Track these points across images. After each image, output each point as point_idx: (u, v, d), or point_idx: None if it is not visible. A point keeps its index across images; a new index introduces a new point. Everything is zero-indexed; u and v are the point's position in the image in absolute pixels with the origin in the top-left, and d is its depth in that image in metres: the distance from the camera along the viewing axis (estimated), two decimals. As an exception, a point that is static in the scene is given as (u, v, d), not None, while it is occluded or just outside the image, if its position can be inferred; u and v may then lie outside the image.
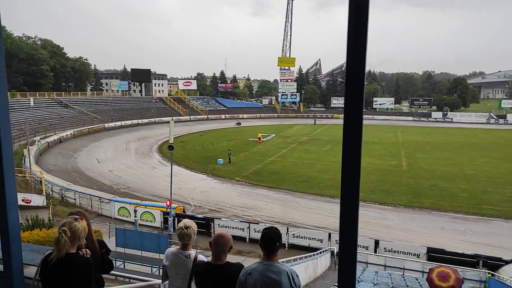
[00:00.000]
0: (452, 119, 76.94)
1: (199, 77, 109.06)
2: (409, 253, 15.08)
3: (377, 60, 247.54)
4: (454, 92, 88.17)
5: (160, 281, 3.63)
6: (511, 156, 37.18)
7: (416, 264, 13.71)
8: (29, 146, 29.88)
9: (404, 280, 10.91)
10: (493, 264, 13.56)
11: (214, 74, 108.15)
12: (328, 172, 30.51)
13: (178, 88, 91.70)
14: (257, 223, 18.21)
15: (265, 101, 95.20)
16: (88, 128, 52.70)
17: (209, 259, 2.94)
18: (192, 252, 3.08)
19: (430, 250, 14.85)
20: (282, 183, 27.28)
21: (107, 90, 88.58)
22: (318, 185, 26.65)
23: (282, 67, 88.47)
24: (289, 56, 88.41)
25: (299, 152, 40.31)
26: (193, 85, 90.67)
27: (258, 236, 17.23)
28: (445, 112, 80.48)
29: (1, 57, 1.99)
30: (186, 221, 3.13)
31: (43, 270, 2.53)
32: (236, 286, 2.68)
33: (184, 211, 20.19)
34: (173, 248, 3.19)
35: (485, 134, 55.99)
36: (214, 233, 17.54)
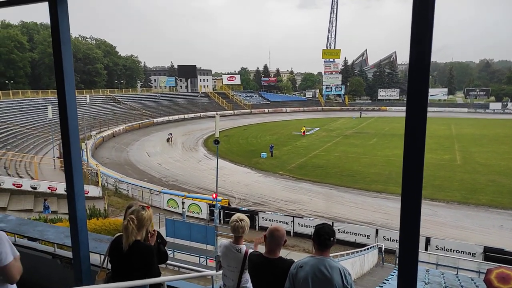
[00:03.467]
0: (512, 110, 71.23)
1: (243, 72, 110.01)
2: (464, 252, 14.28)
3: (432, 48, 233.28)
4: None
5: (212, 272, 3.75)
6: None
7: (472, 263, 12.94)
8: (86, 141, 31.94)
9: (458, 280, 10.36)
10: (561, 267, 12.45)
11: (258, 68, 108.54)
12: (375, 166, 29.60)
13: (222, 83, 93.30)
14: (301, 217, 18.15)
15: (309, 94, 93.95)
16: (139, 123, 55.26)
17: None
18: (243, 247, 3.14)
19: (487, 250, 13.95)
20: (326, 177, 26.90)
21: (155, 86, 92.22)
22: (363, 179, 25.96)
23: (327, 59, 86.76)
24: (334, 47, 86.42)
25: (344, 146, 39.45)
26: (237, 80, 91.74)
27: (302, 230, 17.27)
28: (505, 103, 74.62)
29: (70, 60, 2.16)
30: (239, 214, 3.21)
31: (112, 255, 2.71)
32: (287, 279, 2.70)
33: (229, 204, 20.61)
34: (226, 241, 3.29)
35: (552, 126, 51.21)
36: (258, 226, 17.78)
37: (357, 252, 11.34)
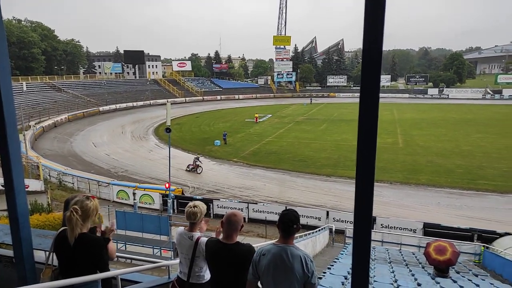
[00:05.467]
0: (448, 95, 76.98)
1: (194, 58, 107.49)
2: (406, 229, 15.37)
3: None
4: (450, 68, 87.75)
5: (167, 261, 3.70)
6: (507, 131, 37.47)
7: (413, 239, 14.00)
8: (24, 132, 29.63)
9: (401, 254, 11.16)
10: (488, 237, 13.87)
11: (209, 54, 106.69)
12: (325, 151, 30.66)
13: (172, 70, 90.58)
14: (256, 203, 18.41)
15: (261, 81, 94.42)
16: (83, 112, 52.24)
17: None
18: (196, 234, 3.12)
19: (426, 225, 15.15)
20: (280, 163, 27.43)
21: (100, 73, 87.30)
22: (314, 164, 26.82)
23: (278, 46, 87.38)
24: (285, 34, 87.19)
25: (295, 132, 40.36)
26: (188, 66, 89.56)
27: (256, 215, 17.54)
28: (441, 89, 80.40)
29: (3, 44, 1.95)
30: (195, 202, 3.20)
31: (57, 250, 2.54)
32: (249, 266, 2.72)
33: (182, 193, 20.32)
34: (181, 228, 3.26)
35: (481, 110, 56.18)
36: (213, 213, 17.76)
37: (309, 234, 11.77)
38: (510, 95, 72.38)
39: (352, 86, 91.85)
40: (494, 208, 18.59)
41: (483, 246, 13.03)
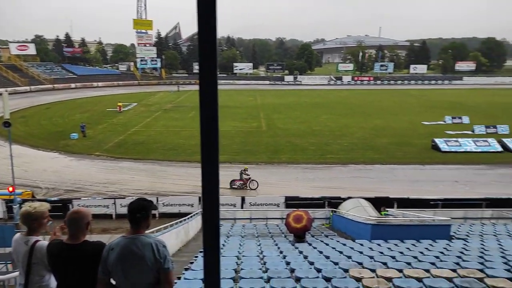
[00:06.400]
0: (301, 81, 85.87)
1: (38, 41, 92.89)
2: (271, 204, 16.82)
3: (237, 26, 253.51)
4: (302, 57, 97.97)
5: (1, 276, 3.17)
6: (346, 112, 44.15)
7: (277, 212, 15.42)
8: None
9: (267, 228, 12.19)
10: (335, 203, 16.29)
11: (58, 37, 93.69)
12: (195, 138, 30.74)
13: (10, 53, 76.37)
14: (123, 198, 17.37)
15: (123, 67, 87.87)
16: None
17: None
18: (33, 238, 2.74)
19: (287, 199, 16.85)
20: (148, 153, 26.39)
21: None
22: (185, 151, 26.71)
23: (139, 30, 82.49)
24: (146, 18, 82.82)
25: (164, 120, 39.29)
26: (31, 50, 76.70)
27: (125, 211, 16.52)
28: (296, 76, 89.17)
29: None
30: (33, 203, 2.78)
31: None
32: (99, 265, 2.54)
33: (33, 196, 17.68)
34: (18, 234, 2.81)
35: (327, 94, 64.65)
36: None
37: (180, 222, 11.76)
38: (348, 81, 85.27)
39: (218, 73, 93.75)
40: (339, 177, 21.86)
41: (332, 210, 15.27)
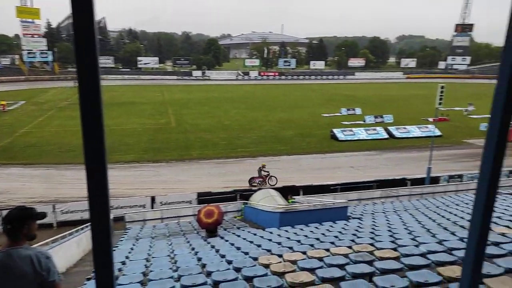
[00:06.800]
0: (209, 76, 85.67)
1: None
2: (183, 201, 16.55)
3: (141, 18, 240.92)
4: (209, 52, 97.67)
5: None
6: (254, 106, 45.49)
7: (189, 209, 15.24)
8: None
9: (180, 226, 11.99)
10: (247, 194, 16.74)
11: None
12: (97, 137, 28.64)
13: None
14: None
15: (6, 60, 76.77)
16: None
17: None
18: None
19: (200, 195, 16.78)
20: (42, 156, 23.70)
21: None
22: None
23: (24, 19, 72.84)
24: (32, 6, 73.48)
25: (59, 119, 35.58)
26: None
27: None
28: (204, 71, 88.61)
29: None
30: None
31: None
32: None
33: None
34: None
35: (235, 89, 65.71)
36: None
37: (81, 229, 10.87)
38: (255, 76, 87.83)
39: (121, 67, 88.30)
40: (249, 170, 22.37)
41: (243, 202, 15.68)
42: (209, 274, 5.00)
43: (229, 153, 25.55)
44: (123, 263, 6.19)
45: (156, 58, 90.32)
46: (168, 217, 14.38)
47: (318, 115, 39.49)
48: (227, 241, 8.05)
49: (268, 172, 19.87)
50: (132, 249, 7.72)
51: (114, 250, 8.10)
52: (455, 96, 37.51)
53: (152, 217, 14.18)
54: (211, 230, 8.99)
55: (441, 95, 18.90)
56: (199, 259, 6.02)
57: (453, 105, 40.26)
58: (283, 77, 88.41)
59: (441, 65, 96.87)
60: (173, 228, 11.60)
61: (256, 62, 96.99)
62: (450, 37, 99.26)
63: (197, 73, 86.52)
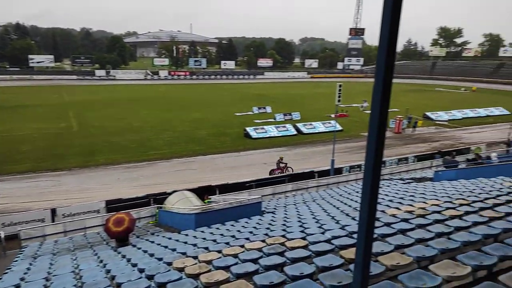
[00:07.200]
0: (115, 76, 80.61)
1: None
2: (90, 211, 15.29)
3: (30, 12, 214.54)
4: (114, 51, 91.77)
5: None
6: (166, 106, 44.16)
7: (97, 219, 14.15)
8: None
9: (86, 238, 11.06)
10: (161, 198, 16.16)
11: None
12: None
13: None
14: None
15: None
16: None
17: None
18: None
19: (108, 203, 15.66)
20: None
21: None
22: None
23: None
24: None
25: None
26: None
27: None
28: (108, 70, 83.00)
29: None
30: None
31: None
32: None
33: None
34: None
35: (144, 89, 62.93)
36: None
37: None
38: (165, 76, 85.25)
39: (8, 66, 77.83)
40: (163, 172, 21.79)
41: (157, 207, 15.12)
42: (118, 286, 4.71)
43: (141, 156, 24.38)
44: (17, 286, 5.48)
45: (51, 56, 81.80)
46: (72, 230, 13.13)
47: (231, 114, 39.96)
48: (139, 248, 7.66)
49: (285, 163, 21.06)
50: (28, 269, 6.87)
51: (6, 272, 7.14)
52: (352, 94, 41.33)
53: (54, 231, 12.79)
54: (121, 239, 8.47)
55: (339, 93, 20.61)
56: (108, 271, 5.62)
57: (351, 102, 44.36)
58: (194, 76, 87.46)
59: (340, 65, 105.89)
60: (78, 241, 10.63)
61: (166, 61, 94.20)
62: (346, 40, 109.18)
63: (100, 73, 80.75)
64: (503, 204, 6.86)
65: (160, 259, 6.03)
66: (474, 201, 7.33)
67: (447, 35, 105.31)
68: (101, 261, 6.74)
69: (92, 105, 43.72)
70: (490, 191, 8.59)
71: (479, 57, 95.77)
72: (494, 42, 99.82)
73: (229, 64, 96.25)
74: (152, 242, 8.34)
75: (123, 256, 7.06)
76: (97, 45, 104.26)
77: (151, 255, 6.60)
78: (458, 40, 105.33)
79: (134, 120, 35.58)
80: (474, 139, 29.91)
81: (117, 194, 17.31)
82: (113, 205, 15.50)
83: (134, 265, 5.88)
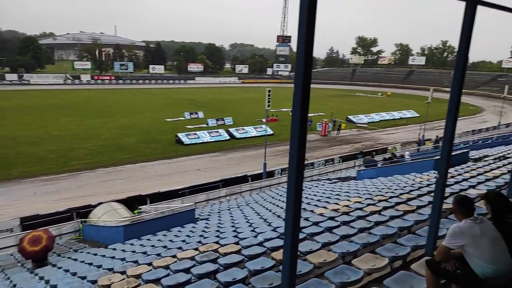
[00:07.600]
0: (29, 80, 73.50)
1: None
2: (2, 231, 13.69)
3: None
4: (27, 53, 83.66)
5: None
6: (90, 113, 41.36)
7: (10, 239, 12.71)
8: None
9: (-3, 261, 9.86)
10: (85, 212, 15.04)
11: None
12: None
13: None
14: None
15: None
16: None
17: None
18: None
19: (24, 220, 14.20)
20: None
21: None
22: None
23: None
24: None
25: None
26: None
27: None
28: (21, 74, 75.40)
29: None
30: None
31: None
32: None
33: None
34: None
35: (64, 94, 58.26)
36: None
37: None
38: (88, 80, 79.90)
39: None
40: (88, 184, 20.37)
41: (81, 221, 14.04)
42: (35, 312, 4.27)
43: (61, 168, 22.53)
44: None
45: (-51, 58, 71.93)
46: (-21, 254, 11.60)
47: (161, 120, 38.78)
48: (60, 268, 7.02)
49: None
50: None
51: None
52: (281, 99, 42.73)
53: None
54: (39, 259, 7.69)
55: (269, 98, 21.20)
56: (23, 297, 5.07)
57: (281, 106, 45.80)
58: (120, 81, 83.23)
59: (269, 71, 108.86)
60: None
61: (88, 64, 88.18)
62: (274, 47, 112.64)
63: (11, 77, 73.12)
64: (415, 198, 7.61)
65: (83, 278, 5.60)
66: (391, 197, 8.01)
67: (365, 44, 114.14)
68: (14, 286, 6.05)
69: (1, 112, 39.26)
70: (404, 187, 9.47)
71: (392, 65, 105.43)
72: (404, 51, 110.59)
73: (158, 69, 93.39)
74: (75, 259, 7.71)
75: (41, 278, 6.42)
76: (8, 47, 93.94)
77: (74, 274, 6.09)
78: (374, 49, 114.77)
79: (53, 129, 32.78)
80: (391, 140, 32.81)
81: (34, 210, 15.77)
82: (29, 222, 14.07)
83: (54, 286, 5.38)
